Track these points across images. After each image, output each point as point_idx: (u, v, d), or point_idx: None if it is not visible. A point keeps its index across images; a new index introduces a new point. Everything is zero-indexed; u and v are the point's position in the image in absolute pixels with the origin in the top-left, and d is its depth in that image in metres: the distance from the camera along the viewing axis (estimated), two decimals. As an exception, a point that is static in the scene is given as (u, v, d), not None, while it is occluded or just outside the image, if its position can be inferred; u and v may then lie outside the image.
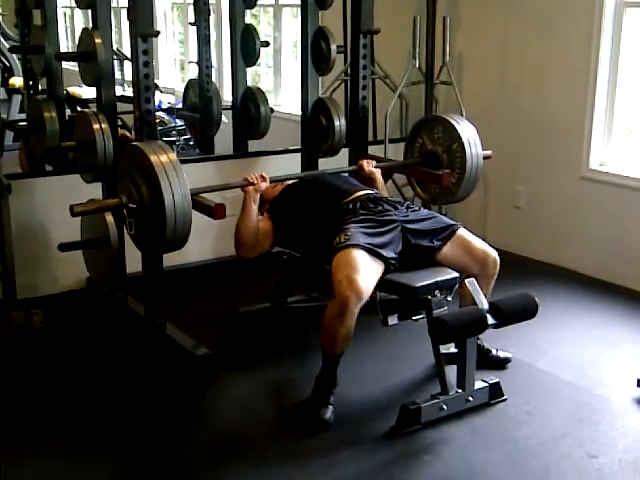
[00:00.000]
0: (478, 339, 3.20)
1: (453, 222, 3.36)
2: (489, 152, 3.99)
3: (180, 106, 6.39)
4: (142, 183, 2.94)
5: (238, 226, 3.38)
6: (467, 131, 3.85)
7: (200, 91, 5.49)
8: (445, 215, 3.65)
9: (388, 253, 3.10)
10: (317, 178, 3.72)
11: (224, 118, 5.52)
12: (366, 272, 2.97)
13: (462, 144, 3.81)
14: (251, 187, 3.37)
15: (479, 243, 3.32)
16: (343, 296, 2.90)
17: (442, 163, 3.92)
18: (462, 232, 3.32)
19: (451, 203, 4.28)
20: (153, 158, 2.90)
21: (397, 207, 3.35)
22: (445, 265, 3.23)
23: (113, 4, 3.76)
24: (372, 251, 3.05)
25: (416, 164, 4.03)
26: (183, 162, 2.98)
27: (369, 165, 3.79)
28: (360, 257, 3.01)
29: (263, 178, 3.42)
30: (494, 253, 3.31)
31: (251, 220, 3.37)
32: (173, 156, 2.96)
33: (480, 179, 3.97)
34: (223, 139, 5.47)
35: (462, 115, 4.40)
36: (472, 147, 3.84)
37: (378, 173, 3.79)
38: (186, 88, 5.89)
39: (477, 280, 3.10)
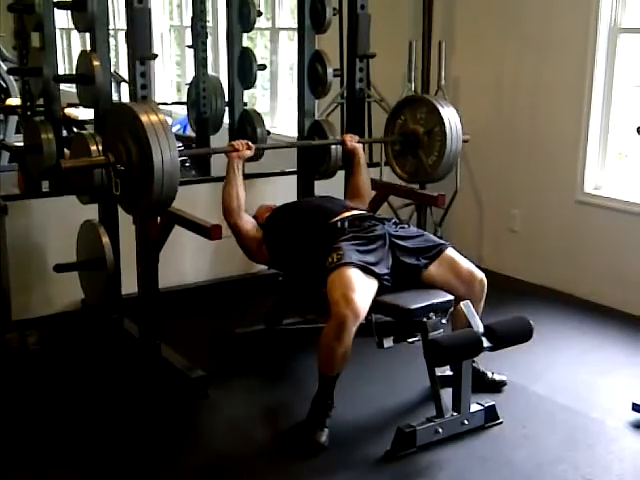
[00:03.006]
0: (473, 362, 3.19)
1: (441, 241, 3.37)
2: (467, 137, 4.04)
3: (177, 128, 6.41)
4: (131, 143, 2.94)
5: (223, 193, 3.49)
6: (450, 115, 3.87)
7: (197, 113, 5.50)
8: (441, 238, 3.66)
9: (381, 270, 3.11)
10: (304, 201, 3.74)
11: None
12: (362, 290, 2.98)
13: (444, 128, 3.83)
14: (235, 154, 3.47)
15: (466, 264, 3.31)
16: (341, 315, 2.90)
17: (422, 144, 3.95)
18: (450, 252, 3.31)
19: (427, 183, 4.26)
20: (144, 118, 2.90)
21: (384, 222, 3.36)
22: (432, 285, 3.23)
23: (111, 27, 3.77)
24: (365, 269, 3.06)
25: (397, 142, 4.06)
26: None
27: (352, 140, 3.92)
28: (355, 275, 3.01)
29: (248, 146, 3.51)
30: (481, 274, 3.30)
31: (234, 186, 3.46)
32: (163, 117, 2.96)
33: (459, 164, 3.99)
34: (219, 161, 5.47)
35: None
36: (454, 131, 3.86)
37: (360, 149, 3.94)
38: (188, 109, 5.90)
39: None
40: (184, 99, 5.85)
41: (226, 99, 5.23)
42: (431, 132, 3.89)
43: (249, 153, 3.52)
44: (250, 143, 3.54)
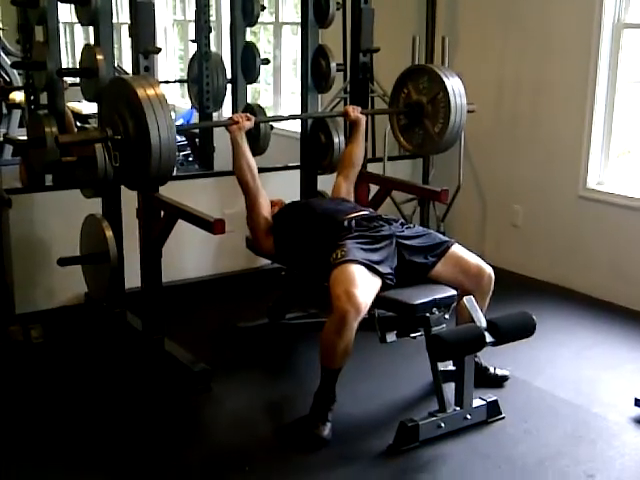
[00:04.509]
0: (476, 357, 3.20)
1: (447, 239, 3.37)
2: (474, 106, 4.01)
3: (180, 122, 6.42)
4: (128, 116, 2.94)
5: (234, 169, 3.51)
6: (453, 82, 3.85)
7: (200, 108, 5.51)
8: (443, 233, 3.67)
9: (384, 269, 3.11)
10: (314, 200, 3.75)
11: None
12: (364, 286, 2.98)
13: (447, 93, 3.81)
14: (235, 126, 3.48)
15: (473, 259, 3.33)
16: (342, 310, 2.90)
17: (426, 113, 3.93)
18: (456, 248, 3.33)
19: (434, 153, 4.24)
20: (140, 92, 2.89)
21: (391, 223, 3.38)
22: (439, 282, 3.24)
23: (114, 20, 3.77)
24: (369, 267, 3.06)
25: (400, 112, 4.06)
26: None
27: (355, 111, 3.92)
28: (358, 272, 3.02)
29: (248, 118, 3.52)
30: (489, 269, 3.31)
31: (241, 158, 3.48)
32: (160, 90, 2.96)
33: (462, 133, 3.99)
34: (223, 156, 5.48)
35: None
36: (457, 97, 3.83)
37: (363, 119, 3.94)
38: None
39: (473, 296, 3.11)
40: (186, 93, 5.86)
41: (228, 76, 5.25)
42: (435, 99, 3.86)
43: (249, 124, 3.53)
44: (249, 115, 3.55)
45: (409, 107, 3.99)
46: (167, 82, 7.41)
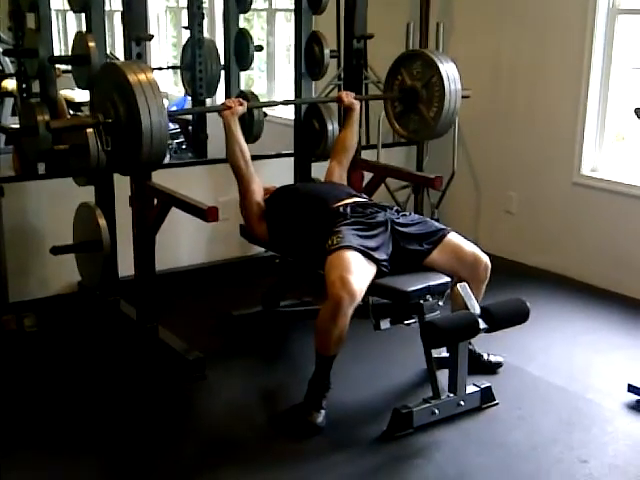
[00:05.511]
0: (470, 343, 3.21)
1: (443, 227, 3.37)
2: (469, 92, 4.00)
3: (173, 109, 6.38)
4: (119, 101, 2.93)
5: (227, 154, 3.50)
6: (447, 66, 3.84)
7: (193, 94, 5.49)
8: (438, 220, 3.66)
9: (380, 255, 3.11)
10: (308, 184, 3.74)
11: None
12: (359, 273, 2.98)
13: (441, 77, 3.80)
14: (228, 111, 3.47)
15: (469, 247, 3.32)
16: (337, 297, 2.90)
17: (421, 98, 3.92)
18: (452, 236, 3.32)
19: (430, 138, 4.22)
20: (131, 76, 2.88)
21: (387, 210, 3.37)
22: (435, 269, 3.23)
23: (106, 7, 3.75)
24: (365, 253, 3.06)
25: (395, 98, 4.04)
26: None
27: (348, 97, 3.91)
28: (353, 258, 3.01)
29: (240, 102, 3.52)
30: (485, 257, 3.31)
31: (235, 143, 3.47)
32: (151, 75, 2.94)
33: (457, 120, 3.96)
34: (216, 144, 5.47)
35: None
36: (451, 82, 3.82)
37: (357, 105, 3.93)
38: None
39: (468, 284, 3.11)
40: (179, 81, 5.84)
41: (221, 62, 5.24)
42: (429, 83, 3.85)
43: (242, 109, 3.52)
44: (242, 100, 3.54)
45: (403, 93, 3.98)
46: (160, 69, 7.39)
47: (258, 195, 3.54)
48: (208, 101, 5.67)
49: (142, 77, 2.89)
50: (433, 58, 3.84)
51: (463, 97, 3.90)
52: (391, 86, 4.07)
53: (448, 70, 3.82)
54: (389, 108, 4.14)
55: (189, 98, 5.75)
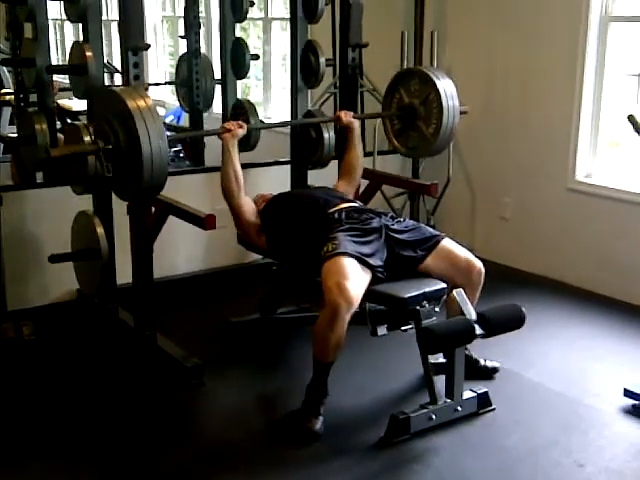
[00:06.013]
0: (466, 349, 3.22)
1: (437, 233, 3.39)
2: (466, 107, 4.02)
3: (170, 118, 6.41)
4: (119, 127, 2.94)
5: (221, 175, 3.48)
6: (444, 83, 3.87)
7: (190, 104, 5.51)
8: (433, 227, 3.68)
9: (375, 261, 3.13)
10: (302, 191, 3.75)
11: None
12: (355, 279, 3.00)
13: (438, 94, 3.83)
14: (227, 134, 3.47)
15: (463, 253, 3.34)
16: (334, 303, 2.92)
17: (419, 115, 3.94)
18: (446, 242, 3.34)
19: (428, 155, 4.23)
20: (130, 103, 2.89)
21: (381, 216, 3.38)
22: (429, 275, 3.25)
23: (103, 17, 3.76)
24: (360, 259, 3.07)
25: (393, 115, 4.07)
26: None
27: (347, 116, 3.90)
28: (349, 264, 3.03)
29: (240, 125, 3.51)
30: (479, 263, 3.33)
31: (230, 166, 3.45)
32: (150, 101, 2.95)
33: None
34: (213, 151, 5.48)
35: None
36: (449, 99, 3.85)
37: (356, 123, 3.91)
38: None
39: (463, 290, 3.12)
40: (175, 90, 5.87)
41: (215, 77, 5.26)
42: (427, 100, 3.88)
43: (242, 132, 3.52)
44: (242, 122, 3.55)
45: (402, 110, 4.01)
46: (157, 84, 7.39)
47: (251, 214, 3.54)
48: (205, 115, 5.68)
49: (141, 103, 2.91)
50: (430, 75, 3.87)
51: (461, 113, 3.93)
52: (389, 104, 4.10)
53: (445, 87, 3.85)
54: (388, 126, 4.17)
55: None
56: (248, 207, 3.54)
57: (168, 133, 6.14)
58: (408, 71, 4.19)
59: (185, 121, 6.09)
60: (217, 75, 5.40)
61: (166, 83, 7.54)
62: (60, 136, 4.00)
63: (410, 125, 4.02)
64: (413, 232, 3.34)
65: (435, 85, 3.83)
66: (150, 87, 7.72)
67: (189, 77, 5.42)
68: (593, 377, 3.55)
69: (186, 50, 5.53)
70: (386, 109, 4.13)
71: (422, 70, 3.99)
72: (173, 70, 7.85)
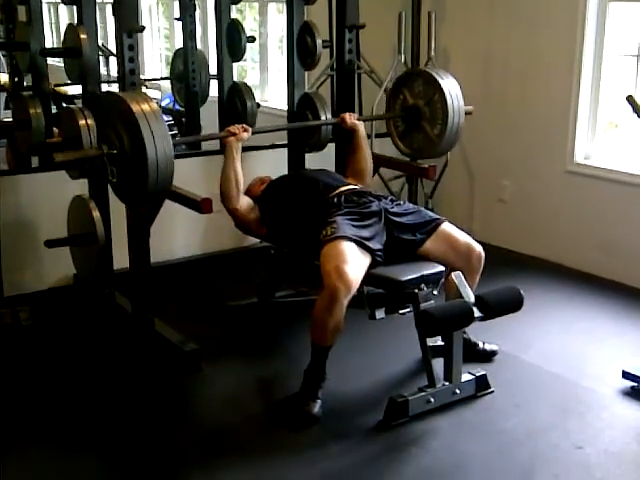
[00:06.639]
0: (464, 332, 3.22)
1: (437, 216, 3.38)
2: (470, 107, 4.00)
3: (167, 102, 6.37)
4: (123, 132, 2.93)
5: (221, 178, 3.45)
6: (449, 84, 3.86)
7: (186, 86, 5.48)
8: (432, 210, 3.67)
9: (374, 245, 3.12)
10: (301, 174, 3.73)
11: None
12: (354, 263, 2.99)
13: (443, 94, 3.82)
14: (232, 138, 3.44)
15: (463, 237, 3.33)
16: (332, 287, 2.91)
17: (424, 116, 3.93)
18: (446, 226, 3.33)
19: (434, 157, 4.23)
20: (134, 107, 2.88)
21: (381, 199, 3.37)
22: (429, 259, 3.24)
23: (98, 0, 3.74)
24: (359, 243, 3.06)
25: (398, 116, 4.05)
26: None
27: (351, 118, 3.87)
28: (348, 248, 3.02)
29: (245, 129, 3.48)
30: (478, 247, 3.32)
31: (232, 171, 3.42)
32: (154, 105, 2.94)
33: (460, 136, 3.98)
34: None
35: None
36: (454, 99, 3.84)
37: (360, 125, 3.87)
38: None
39: (462, 274, 3.11)
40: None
41: (210, 72, 5.21)
42: (431, 101, 3.87)
43: (246, 135, 3.48)
44: (246, 125, 3.51)
45: (406, 111, 3.99)
46: (154, 80, 7.29)
47: (249, 211, 3.52)
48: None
49: (145, 107, 2.89)
50: (434, 75, 3.85)
51: (467, 113, 3.92)
52: (394, 106, 4.08)
53: (450, 87, 3.84)
54: (392, 127, 4.16)
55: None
56: (246, 207, 3.52)
57: (164, 103, 6.16)
58: (411, 72, 4.18)
59: (177, 103, 6.02)
60: (212, 70, 5.36)
61: (162, 79, 7.43)
62: (55, 130, 3.98)
63: (415, 126, 4.00)
64: (413, 215, 3.33)
65: (440, 85, 3.82)
66: (145, 69, 7.69)
67: (184, 72, 5.39)
68: (592, 359, 3.55)
69: (182, 30, 5.49)
70: (390, 110, 4.11)
71: (426, 71, 3.97)
72: (169, 52, 7.80)
